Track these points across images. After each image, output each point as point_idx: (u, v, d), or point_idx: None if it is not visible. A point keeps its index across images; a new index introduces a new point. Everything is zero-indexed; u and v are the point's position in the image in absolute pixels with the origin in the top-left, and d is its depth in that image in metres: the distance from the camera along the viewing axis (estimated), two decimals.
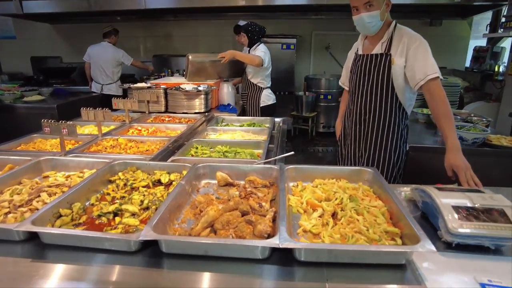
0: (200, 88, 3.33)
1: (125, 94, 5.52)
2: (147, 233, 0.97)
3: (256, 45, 3.64)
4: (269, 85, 3.80)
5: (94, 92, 5.32)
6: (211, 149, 2.30)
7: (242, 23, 3.75)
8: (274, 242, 0.95)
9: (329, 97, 5.89)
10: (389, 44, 1.90)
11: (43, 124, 2.11)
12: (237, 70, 3.78)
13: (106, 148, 2.27)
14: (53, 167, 1.67)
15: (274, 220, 1.15)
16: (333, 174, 1.52)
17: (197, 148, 2.29)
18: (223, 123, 3.10)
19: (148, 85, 3.50)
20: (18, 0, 5.15)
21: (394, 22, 1.94)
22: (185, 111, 3.37)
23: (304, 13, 6.14)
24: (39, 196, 1.33)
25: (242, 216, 1.16)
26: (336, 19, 6.26)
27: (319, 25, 6.36)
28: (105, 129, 2.69)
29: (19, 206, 1.26)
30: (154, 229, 1.00)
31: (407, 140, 2.13)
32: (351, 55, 2.23)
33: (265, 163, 1.85)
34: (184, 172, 1.53)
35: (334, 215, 1.23)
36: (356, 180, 1.50)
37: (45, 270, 0.99)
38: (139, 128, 2.85)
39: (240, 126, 2.95)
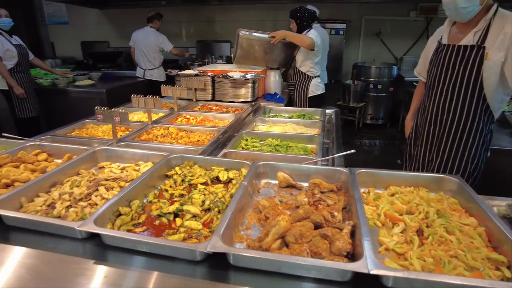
0: (248, 76, 3.22)
1: (168, 80, 5.56)
2: (215, 244, 0.88)
3: (306, 31, 3.43)
4: (318, 73, 3.59)
5: (139, 77, 5.37)
6: (261, 142, 2.20)
7: (310, 7, 3.64)
8: (362, 266, 0.82)
9: (379, 86, 5.54)
10: (485, 34, 1.59)
11: (96, 111, 2.09)
12: (287, 58, 3.59)
13: (156, 136, 2.24)
14: (108, 157, 1.64)
15: (351, 234, 1.01)
16: (410, 181, 1.34)
17: (247, 140, 2.20)
18: (270, 114, 2.97)
19: (196, 72, 3.44)
20: None
21: (495, 6, 1.60)
22: (231, 99, 3.28)
23: None
24: (97, 190, 1.29)
25: (315, 228, 1.04)
26: (388, 3, 5.83)
27: (370, 9, 5.96)
28: (154, 116, 2.66)
29: (79, 200, 1.23)
30: (222, 238, 0.91)
31: (489, 147, 1.85)
32: (432, 43, 1.93)
33: (322, 160, 1.72)
34: (243, 170, 1.43)
35: (418, 231, 1.07)
36: (435, 189, 1.32)
37: (105, 273, 0.94)
38: (188, 116, 2.81)
39: (289, 117, 2.80)
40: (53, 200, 1.24)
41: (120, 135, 2.22)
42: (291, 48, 3.50)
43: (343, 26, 5.38)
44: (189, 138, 2.24)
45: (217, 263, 0.95)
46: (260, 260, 0.87)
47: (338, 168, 1.37)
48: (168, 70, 3.59)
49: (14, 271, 0.95)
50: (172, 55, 5.61)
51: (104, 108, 2.09)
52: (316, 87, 3.56)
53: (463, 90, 1.70)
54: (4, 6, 3.99)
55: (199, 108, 3.14)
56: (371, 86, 5.56)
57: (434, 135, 1.86)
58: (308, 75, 3.50)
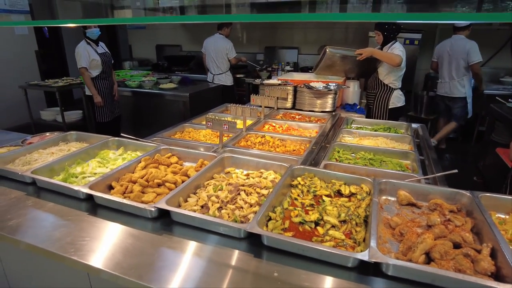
0: (331, 87, 3.32)
1: (235, 84, 5.85)
2: (376, 254, 1.02)
3: (391, 43, 3.46)
4: (400, 86, 3.60)
5: (209, 82, 5.70)
6: (353, 154, 2.30)
7: None
8: None
9: None
10: None
11: (206, 119, 2.31)
12: (368, 70, 3.65)
13: (255, 144, 2.43)
14: (233, 164, 1.86)
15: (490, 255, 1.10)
16: None
17: (338, 152, 2.31)
18: (353, 125, 3.05)
19: (279, 82, 3.61)
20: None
21: None
22: (311, 109, 3.41)
23: (431, 5, 5.61)
24: (239, 194, 1.49)
25: (454, 247, 1.14)
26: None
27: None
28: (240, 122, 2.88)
29: (227, 203, 1.43)
30: (376, 250, 1.04)
31: None
32: None
33: (425, 179, 1.79)
34: (363, 186, 1.55)
35: None
36: None
37: (274, 270, 1.11)
38: (273, 124, 2.98)
39: (373, 130, 2.87)
40: (204, 201, 1.46)
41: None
42: (373, 62, 3.55)
43: (418, 36, 5.28)
44: (285, 147, 2.40)
45: (366, 270, 1.09)
46: (420, 272, 0.99)
47: (460, 190, 1.44)
48: (257, 80, 3.79)
49: (191, 263, 1.17)
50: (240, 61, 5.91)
51: (214, 116, 2.33)
52: (397, 99, 3.57)
53: None
54: None
55: (281, 116, 3.31)
56: None
57: None
58: (390, 86, 3.52)
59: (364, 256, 1.03)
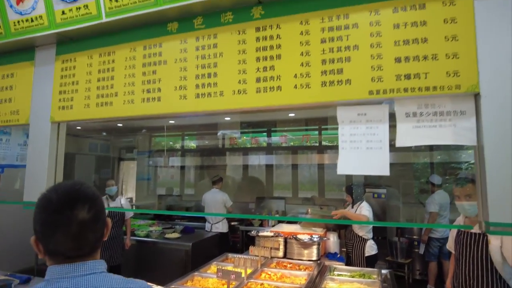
0: (314, 239, 4.06)
1: (230, 231, 6.57)
2: None
3: (359, 202, 4.41)
4: (371, 236, 4.38)
5: (207, 230, 6.42)
6: None
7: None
8: None
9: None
10: None
11: (217, 269, 2.95)
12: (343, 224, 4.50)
13: None
14: None
15: None
16: None
17: None
18: (334, 272, 3.66)
19: (272, 234, 4.35)
20: (168, 157, 7.06)
21: None
22: (300, 257, 4.04)
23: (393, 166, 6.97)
24: None
25: None
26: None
27: (407, 174, 7.08)
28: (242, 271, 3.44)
29: None
30: None
31: None
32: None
33: None
34: None
35: None
36: None
37: None
38: (269, 273, 3.56)
39: (351, 276, 3.48)
40: None
41: None
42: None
43: (384, 190, 6.39)
44: None
45: None
46: None
47: None
48: (253, 231, 4.49)
49: None
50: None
51: (224, 268, 2.97)
52: (371, 248, 4.30)
53: (479, 264, 2.39)
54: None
55: (275, 265, 3.90)
56: (415, 243, 6.11)
57: None
58: (363, 238, 4.30)
59: None
